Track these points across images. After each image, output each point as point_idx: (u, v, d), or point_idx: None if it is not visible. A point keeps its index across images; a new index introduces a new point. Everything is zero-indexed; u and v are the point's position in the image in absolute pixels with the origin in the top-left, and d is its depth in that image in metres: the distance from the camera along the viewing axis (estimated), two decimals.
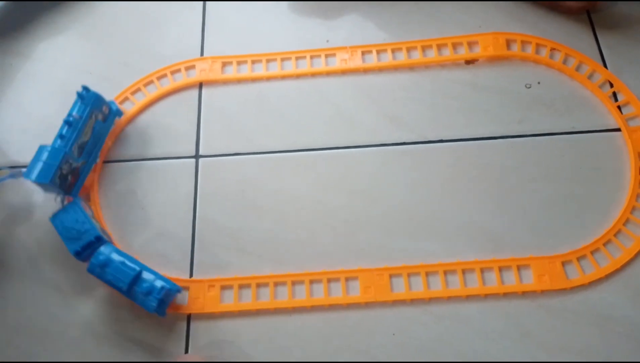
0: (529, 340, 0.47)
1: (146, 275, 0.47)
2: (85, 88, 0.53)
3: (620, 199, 0.52)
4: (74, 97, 0.54)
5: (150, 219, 0.54)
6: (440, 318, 0.48)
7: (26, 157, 0.58)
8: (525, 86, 0.58)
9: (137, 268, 0.47)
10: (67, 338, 0.49)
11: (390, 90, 0.59)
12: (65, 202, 0.52)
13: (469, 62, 0.59)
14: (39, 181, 0.49)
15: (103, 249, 0.48)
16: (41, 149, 0.51)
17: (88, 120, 0.53)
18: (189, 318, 0.50)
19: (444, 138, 0.56)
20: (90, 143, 0.54)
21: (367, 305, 0.49)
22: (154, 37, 0.64)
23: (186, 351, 0.48)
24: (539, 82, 0.58)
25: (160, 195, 0.55)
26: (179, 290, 0.49)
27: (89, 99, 0.53)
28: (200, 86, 0.61)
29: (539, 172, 0.53)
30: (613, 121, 0.55)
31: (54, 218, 0.50)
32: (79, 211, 0.50)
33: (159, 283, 0.47)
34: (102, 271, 0.47)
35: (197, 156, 0.57)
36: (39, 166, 0.49)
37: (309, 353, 0.47)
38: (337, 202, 0.54)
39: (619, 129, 0.55)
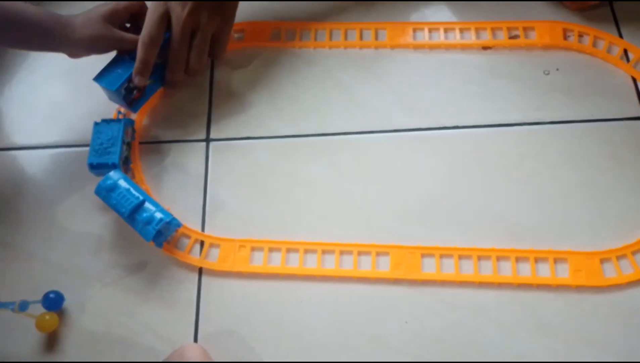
0: (555, 335, 0.45)
1: (148, 206, 0.49)
2: None
3: None
4: (84, 77, 0.53)
5: (161, 202, 0.53)
6: (454, 307, 0.47)
7: (37, 137, 0.58)
8: (544, 73, 0.56)
9: (141, 197, 0.49)
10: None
11: (405, 74, 0.57)
12: (125, 116, 0.54)
13: (485, 47, 0.58)
14: (106, 87, 0.52)
15: (112, 174, 0.50)
16: (117, 58, 0.53)
17: (167, 45, 0.54)
18: (198, 304, 0.49)
19: (459, 124, 0.55)
20: (161, 65, 0.55)
21: (381, 291, 0.48)
22: None
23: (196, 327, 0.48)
24: (557, 69, 0.56)
25: (170, 179, 0.55)
26: (178, 225, 0.50)
27: None
28: (212, 68, 0.60)
29: (557, 160, 0.52)
30: (636, 108, 0.54)
31: (97, 124, 0.52)
32: (118, 133, 0.52)
33: (158, 215, 0.48)
34: (107, 195, 0.49)
35: (207, 140, 0.56)
36: (111, 73, 0.52)
37: (320, 339, 0.47)
38: (350, 188, 0.53)
39: None
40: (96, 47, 0.51)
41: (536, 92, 0.55)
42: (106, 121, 0.53)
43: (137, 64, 0.51)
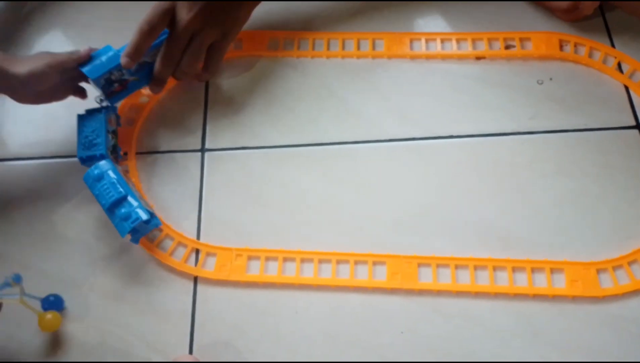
0: (551, 345, 0.45)
1: (130, 201, 0.49)
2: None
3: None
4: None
5: (155, 213, 0.53)
6: (450, 316, 0.47)
7: (30, 149, 0.58)
8: (537, 82, 0.57)
9: (124, 192, 0.49)
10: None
11: (399, 84, 0.58)
12: (103, 104, 0.54)
13: (479, 57, 0.58)
14: (87, 74, 0.52)
15: (102, 163, 0.50)
16: (107, 48, 0.53)
17: (159, 47, 0.54)
18: (194, 316, 0.49)
19: (453, 134, 0.55)
20: (149, 66, 0.55)
21: (377, 301, 0.48)
22: None
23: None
24: (550, 79, 0.57)
25: (166, 189, 0.55)
26: (157, 224, 0.50)
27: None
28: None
29: (551, 169, 0.52)
30: (629, 117, 0.54)
31: (81, 116, 0.53)
32: (101, 124, 0.53)
33: (137, 213, 0.48)
34: (93, 184, 0.50)
35: (202, 150, 0.56)
36: (95, 61, 0.52)
37: (315, 350, 0.46)
38: (345, 197, 0.53)
39: (635, 127, 0.54)
40: (42, 80, 0.50)
41: (529, 102, 0.56)
42: (89, 112, 0.53)
43: (128, 47, 0.51)
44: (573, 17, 0.59)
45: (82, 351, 0.48)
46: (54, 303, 0.49)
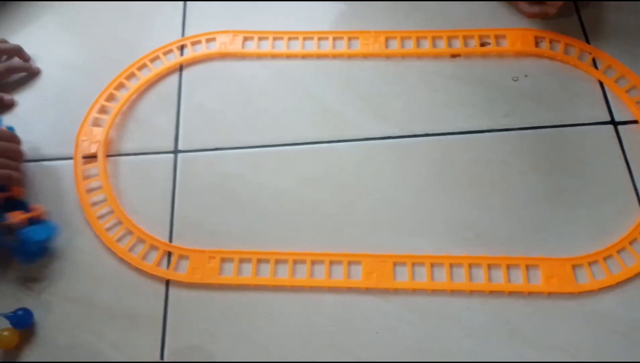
0: (527, 341, 0.45)
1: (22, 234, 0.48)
2: None
3: (622, 200, 0.50)
4: (53, 91, 0.52)
5: (127, 216, 0.52)
6: (425, 315, 0.46)
7: None
8: (512, 79, 0.57)
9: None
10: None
11: (374, 83, 0.57)
12: None
13: (454, 55, 0.58)
14: None
15: None
16: None
17: None
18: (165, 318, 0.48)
19: (429, 132, 0.54)
20: None
21: (351, 301, 0.47)
22: (134, 29, 0.63)
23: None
24: (525, 75, 0.57)
25: (137, 191, 0.54)
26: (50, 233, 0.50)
27: None
28: (180, 78, 0.59)
29: (527, 165, 0.52)
30: (604, 113, 0.54)
31: None
32: None
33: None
34: None
35: (175, 151, 0.55)
36: None
37: (289, 352, 0.46)
38: (321, 197, 0.52)
39: (610, 122, 0.53)
40: None
41: (505, 99, 0.55)
42: None
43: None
44: (534, 14, 0.58)
45: (51, 357, 0.47)
46: (22, 317, 0.48)
